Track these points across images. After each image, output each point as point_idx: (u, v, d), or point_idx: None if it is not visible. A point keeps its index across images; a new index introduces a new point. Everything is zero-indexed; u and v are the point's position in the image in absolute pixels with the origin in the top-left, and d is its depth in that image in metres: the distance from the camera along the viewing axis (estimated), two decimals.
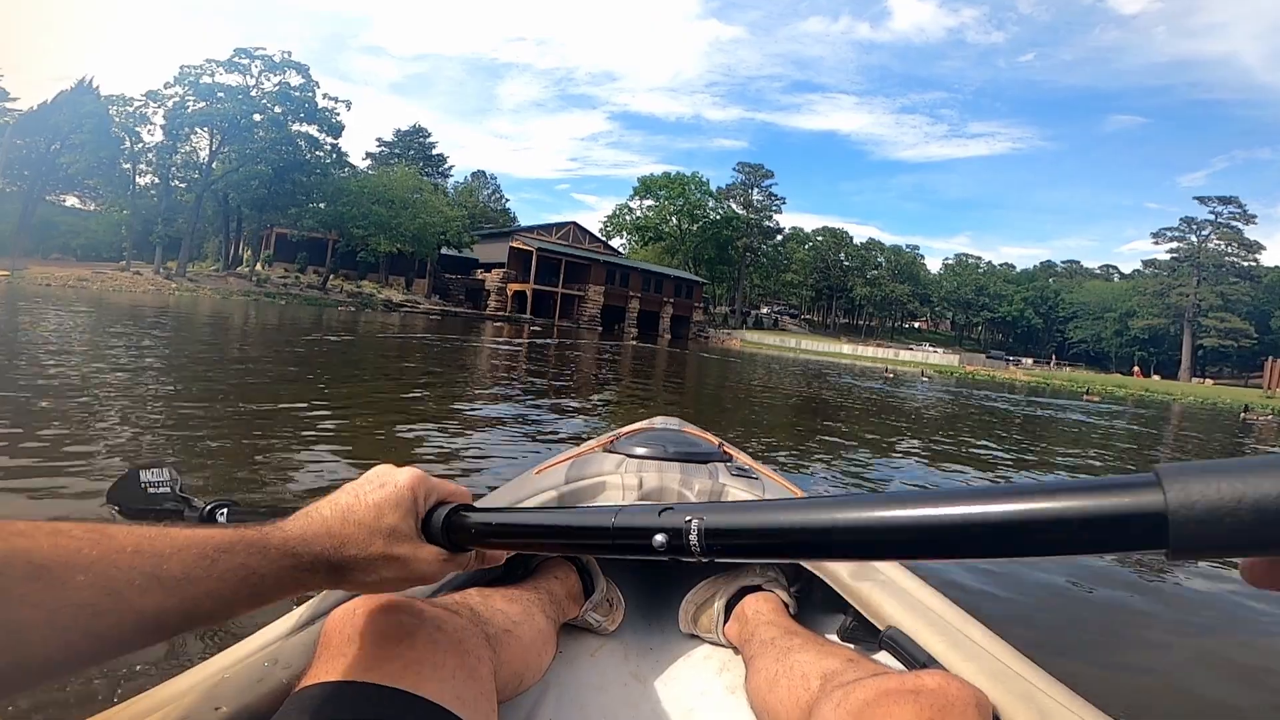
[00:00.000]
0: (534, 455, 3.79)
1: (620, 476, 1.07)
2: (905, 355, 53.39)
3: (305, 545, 0.46)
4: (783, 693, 0.71)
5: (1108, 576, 2.66)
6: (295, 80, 33.07)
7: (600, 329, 46.75)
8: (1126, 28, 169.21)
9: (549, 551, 0.47)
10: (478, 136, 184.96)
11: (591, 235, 57.56)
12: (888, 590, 0.83)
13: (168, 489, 0.86)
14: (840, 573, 0.87)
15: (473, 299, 47.36)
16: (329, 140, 34.53)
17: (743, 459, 1.33)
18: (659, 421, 1.65)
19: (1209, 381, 52.71)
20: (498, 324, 32.17)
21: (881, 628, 0.79)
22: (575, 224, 55.81)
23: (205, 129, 31.35)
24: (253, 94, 31.98)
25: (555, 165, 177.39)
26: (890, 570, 0.89)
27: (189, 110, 30.72)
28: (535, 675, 0.79)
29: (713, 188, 66.83)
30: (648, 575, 1.15)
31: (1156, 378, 53.64)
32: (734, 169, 72.10)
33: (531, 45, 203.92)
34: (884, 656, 0.78)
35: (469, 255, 49.54)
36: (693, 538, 0.31)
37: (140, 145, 31.57)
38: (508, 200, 75.88)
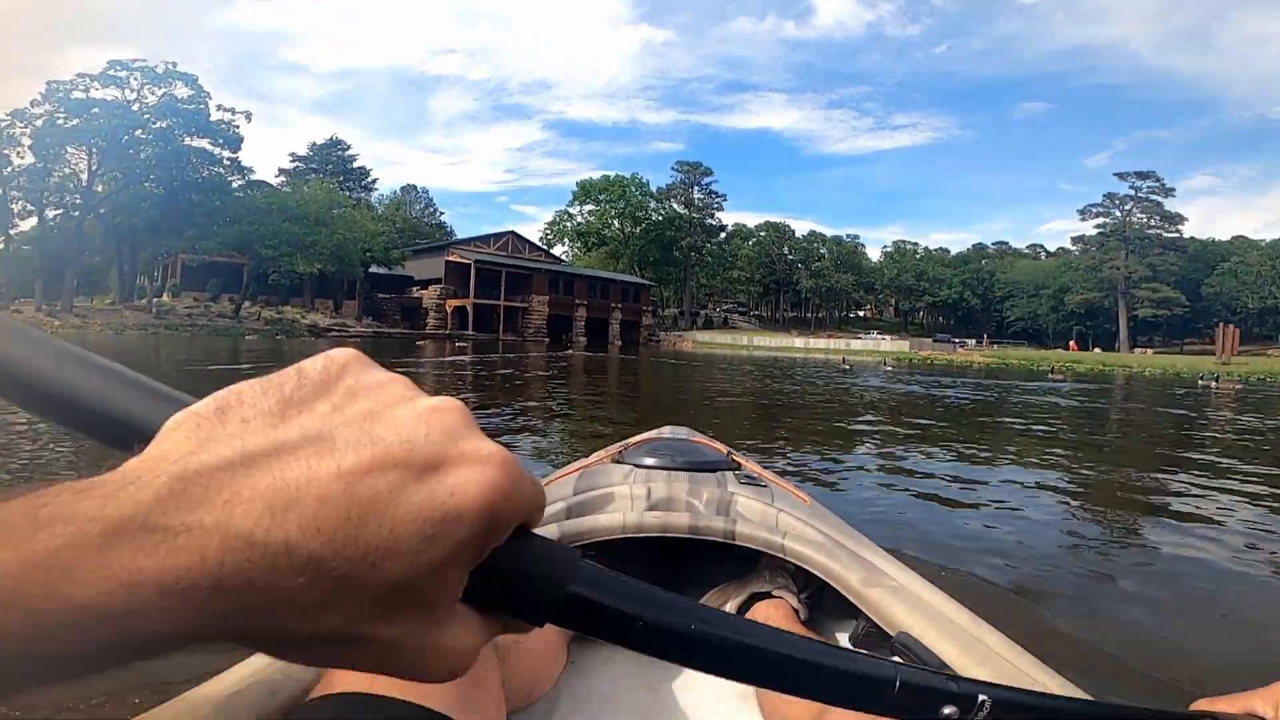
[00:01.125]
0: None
1: (629, 487, 1.06)
2: (856, 344, 53.39)
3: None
4: (794, 700, 0.62)
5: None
6: (182, 92, 30.17)
7: (548, 340, 44.92)
8: (1027, 15, 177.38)
9: (790, 692, 0.28)
10: (410, 152, 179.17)
11: (531, 244, 55.61)
12: (899, 596, 0.83)
13: None
14: (850, 579, 0.86)
15: (410, 318, 44.79)
16: (226, 154, 31.62)
17: (751, 467, 1.31)
18: (667, 431, 1.63)
19: (1148, 351, 54.51)
20: (421, 344, 29.95)
21: (893, 633, 0.79)
22: (514, 233, 53.79)
23: (81, 148, 28.05)
24: (133, 108, 28.92)
25: (492, 178, 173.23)
26: (902, 576, 0.89)
27: (62, 127, 27.46)
28: (545, 686, 0.79)
29: (653, 188, 65.83)
30: (659, 583, 0.86)
31: (1097, 350, 55.18)
32: (673, 168, 71.32)
33: (462, 57, 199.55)
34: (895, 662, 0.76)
35: (402, 273, 46.93)
36: (983, 714, 0.30)
37: (9, 170, 28.19)
38: (442, 214, 73.11)
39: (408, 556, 0.19)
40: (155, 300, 30.55)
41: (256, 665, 0.61)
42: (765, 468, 1.40)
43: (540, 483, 0.25)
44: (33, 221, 29.61)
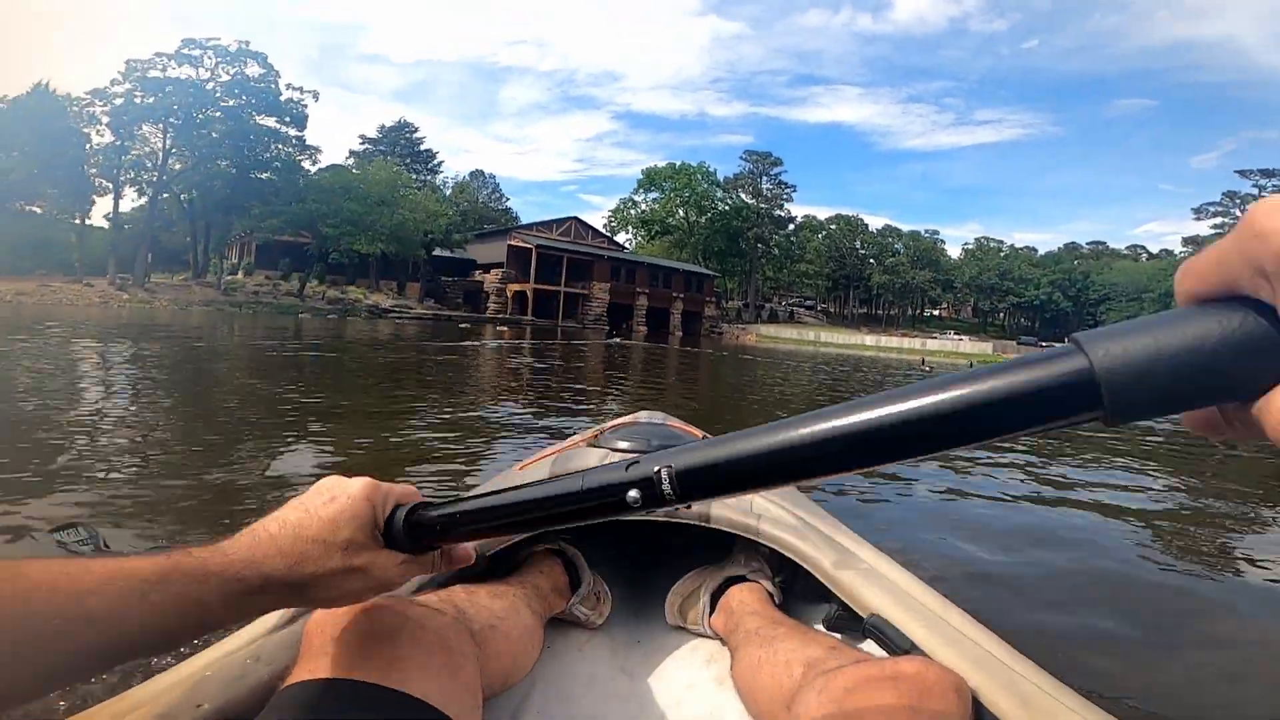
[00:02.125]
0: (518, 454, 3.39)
1: None
2: (932, 344, 50.12)
3: (253, 568, 0.43)
4: (766, 681, 0.72)
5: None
6: (254, 70, 30.47)
7: (608, 328, 44.02)
8: (1126, 12, 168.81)
9: (520, 532, 0.42)
10: (481, 141, 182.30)
11: (595, 230, 54.75)
12: (870, 579, 0.84)
13: (88, 547, 0.85)
14: (823, 562, 0.88)
15: (471, 301, 44.76)
16: (294, 133, 31.82)
17: None
18: (643, 416, 1.63)
19: None
20: (482, 327, 29.39)
21: (865, 616, 0.80)
22: (577, 219, 53.03)
23: (157, 125, 28.72)
24: (207, 87, 29.36)
25: (560, 167, 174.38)
26: (873, 559, 0.91)
27: (139, 105, 28.15)
28: (522, 671, 0.80)
29: (719, 178, 63.82)
30: (634, 568, 1.15)
31: None
32: (741, 157, 69.13)
33: (532, 48, 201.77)
34: (868, 644, 0.81)
35: (465, 256, 46.98)
36: (665, 486, 0.31)
37: (89, 147, 29.13)
38: (508, 200, 73.19)
39: (343, 530, 0.46)
40: (225, 278, 31.16)
41: (224, 650, 0.62)
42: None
43: (401, 486, 0.51)
44: (110, 200, 30.72)
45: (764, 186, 66.36)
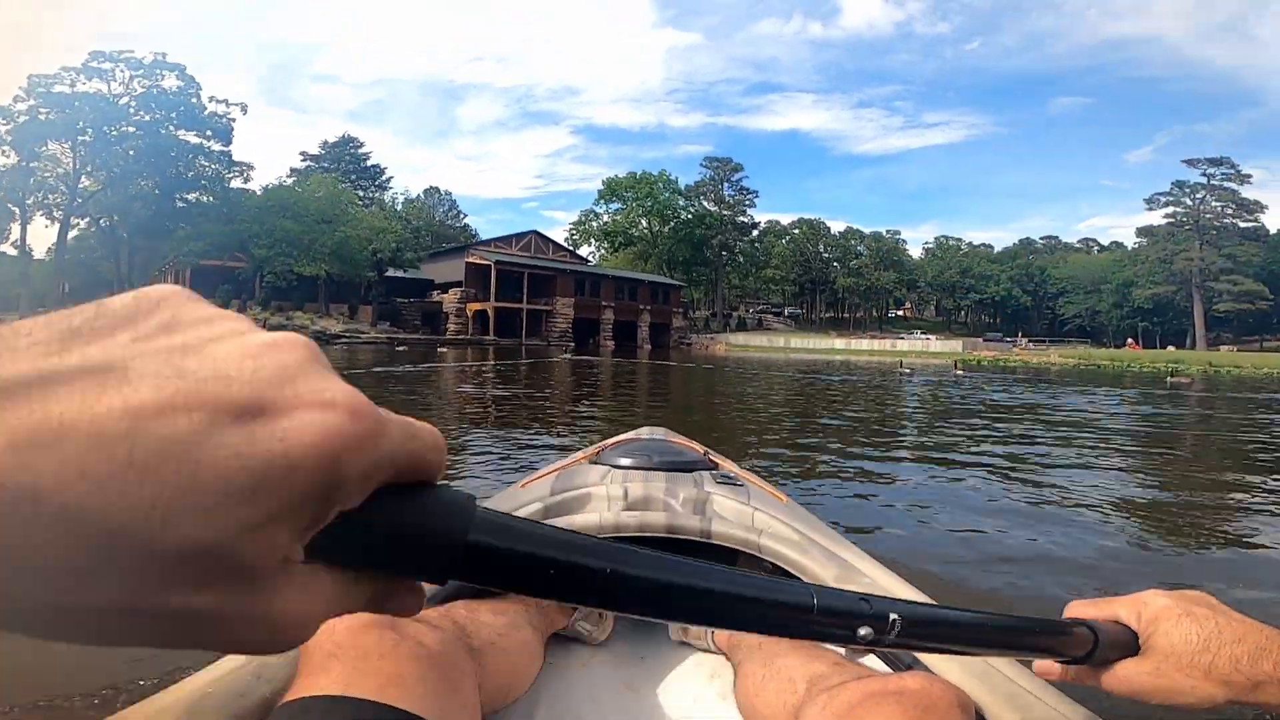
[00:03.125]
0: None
1: (605, 487, 1.06)
2: (903, 345, 49.77)
3: None
4: (770, 697, 0.72)
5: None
6: (171, 83, 28.20)
7: (573, 344, 42.45)
8: (1059, 11, 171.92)
9: (693, 623, 0.27)
10: (440, 159, 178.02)
11: (556, 244, 53.27)
12: (873, 593, 0.82)
13: None
14: (826, 577, 0.87)
15: (430, 323, 42.72)
16: (218, 147, 29.59)
17: (728, 466, 1.32)
18: (645, 432, 1.62)
19: (1231, 349, 49.76)
20: (442, 350, 27.58)
21: None
22: (537, 233, 51.47)
23: (65, 144, 26.28)
24: (120, 101, 27.08)
25: (521, 184, 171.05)
26: (876, 573, 0.91)
27: (43, 122, 25.73)
28: (522, 687, 0.79)
29: (681, 186, 63.02)
30: None
31: (1171, 348, 50.57)
32: (701, 164, 68.28)
33: (490, 64, 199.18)
34: (871, 659, 0.81)
35: (422, 276, 44.93)
36: (895, 631, 0.32)
37: None
38: (465, 217, 71.32)
39: (214, 513, 0.15)
40: None
41: (227, 668, 0.61)
42: (744, 468, 1.38)
43: (422, 428, 0.20)
44: (24, 227, 28.00)
45: (726, 193, 65.82)
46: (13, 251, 30.50)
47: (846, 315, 78.58)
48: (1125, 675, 0.46)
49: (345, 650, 0.53)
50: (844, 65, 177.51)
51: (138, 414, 0.14)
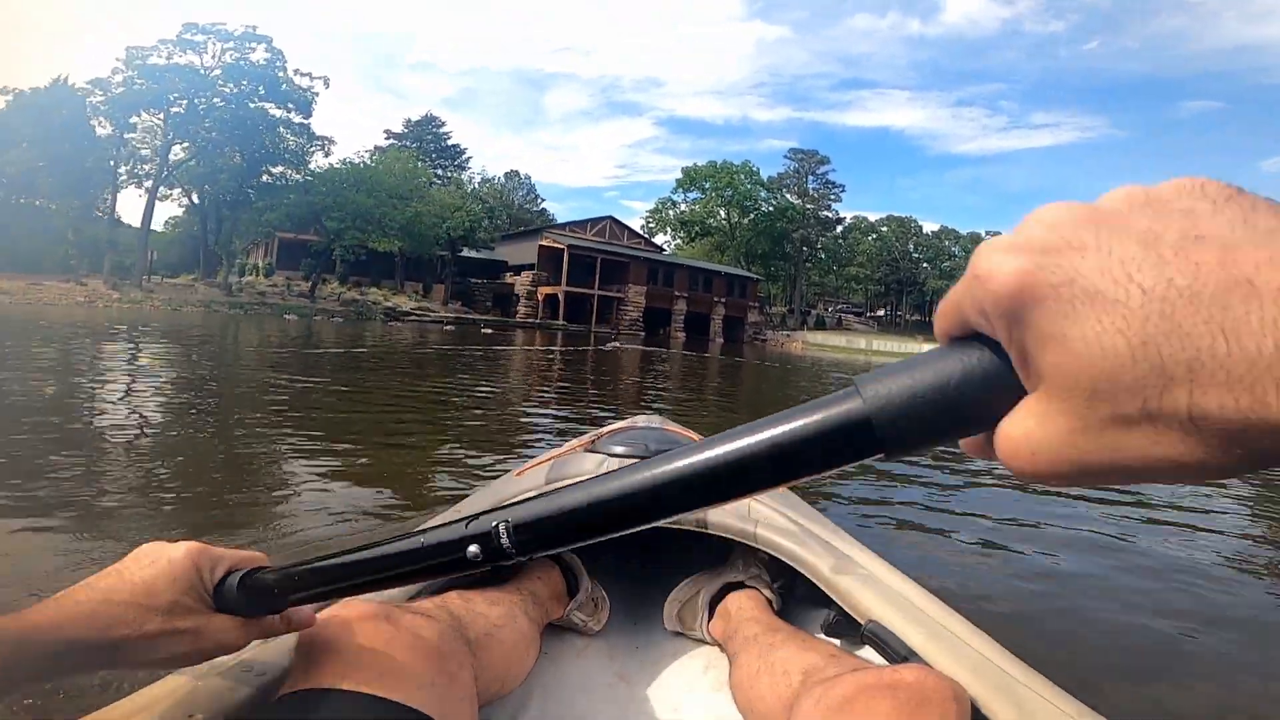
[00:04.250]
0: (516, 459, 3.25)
1: None
2: None
3: (56, 633, 0.41)
4: (765, 689, 0.72)
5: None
6: (259, 56, 28.41)
7: (643, 333, 41.29)
8: (1191, 14, 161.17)
9: (362, 591, 0.43)
10: (526, 147, 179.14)
11: (631, 231, 52.11)
12: (868, 584, 0.83)
13: None
14: (821, 568, 0.87)
15: (501, 305, 42.62)
16: (299, 119, 29.65)
17: None
18: (641, 420, 1.61)
19: None
20: (511, 331, 26.90)
21: (863, 622, 0.79)
22: (612, 219, 50.48)
23: (157, 114, 27.04)
24: (212, 73, 27.44)
25: (603, 173, 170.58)
26: (872, 564, 0.90)
27: (137, 93, 26.45)
28: (518, 678, 0.80)
29: (764, 178, 60.46)
30: (632, 574, 1.16)
31: None
32: (786, 156, 65.41)
33: (577, 55, 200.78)
34: (866, 651, 0.81)
35: (496, 257, 44.92)
36: (505, 540, 0.32)
37: (91, 140, 27.61)
38: (543, 201, 71.35)
39: (163, 593, 0.45)
40: (233, 278, 29.27)
41: (218, 659, 0.61)
42: None
43: (239, 552, 0.51)
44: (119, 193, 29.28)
45: (810, 186, 62.75)
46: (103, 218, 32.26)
47: (933, 320, 73.74)
48: (1022, 445, 0.20)
49: (341, 642, 0.53)
50: (941, 63, 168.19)
51: (145, 614, 0.47)
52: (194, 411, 4.50)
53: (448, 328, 25.16)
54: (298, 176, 29.61)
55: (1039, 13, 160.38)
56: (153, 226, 31.72)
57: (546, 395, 7.13)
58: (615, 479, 0.30)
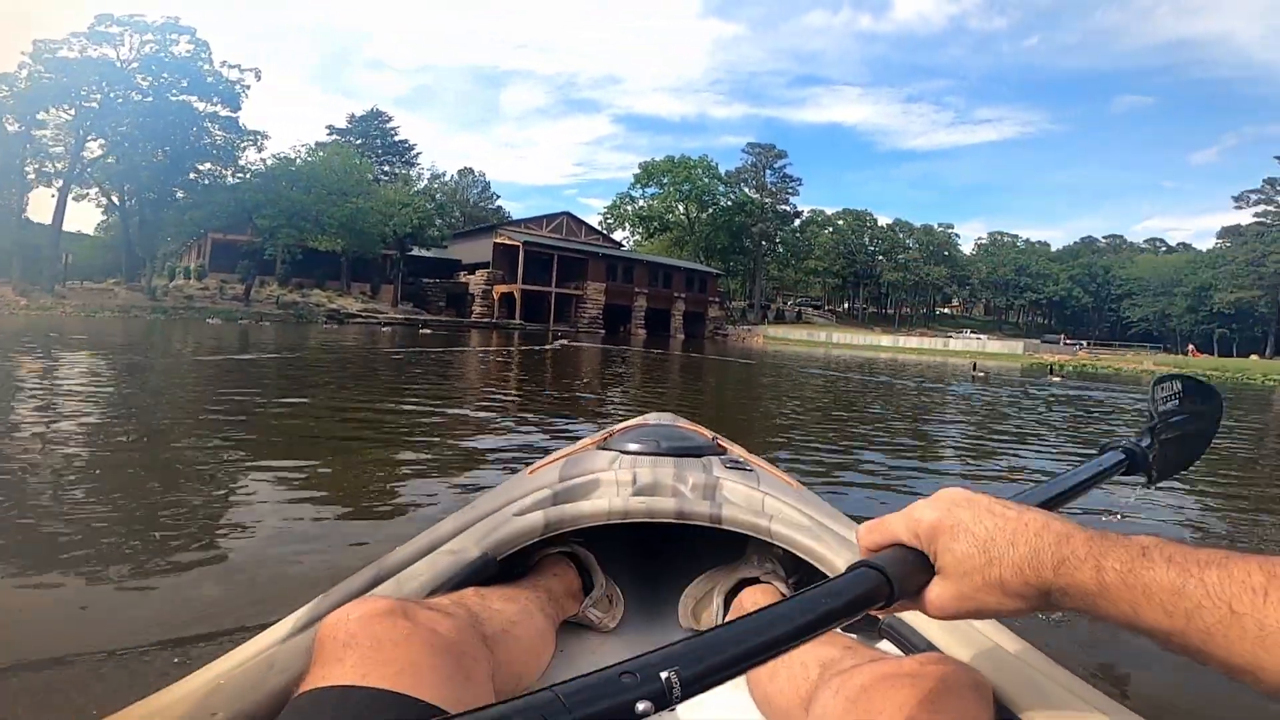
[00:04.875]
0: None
1: (614, 473, 1.06)
2: (956, 345, 46.34)
3: None
4: (783, 683, 0.71)
5: None
6: (182, 49, 26.38)
7: (604, 331, 40.40)
8: (1128, 9, 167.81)
9: None
10: (482, 145, 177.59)
11: (589, 227, 51.11)
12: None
13: None
14: (837, 562, 0.86)
15: (455, 305, 41.13)
16: (225, 112, 27.55)
17: (737, 451, 1.31)
18: (652, 417, 1.60)
19: None
20: (467, 331, 25.67)
21: (881, 616, 0.80)
22: (569, 214, 49.38)
23: (68, 110, 24.78)
24: (129, 66, 25.41)
25: (562, 171, 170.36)
26: None
27: (46, 87, 24.27)
28: (534, 674, 0.79)
29: (721, 172, 60.09)
30: (647, 571, 1.15)
31: (1254, 357, 46.02)
32: (743, 150, 65.25)
33: (534, 52, 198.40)
34: (884, 644, 0.81)
35: (449, 256, 43.34)
36: (677, 691, 0.31)
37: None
38: (498, 199, 69.62)
39: None
40: (156, 282, 27.03)
41: (239, 659, 0.62)
42: (753, 452, 1.37)
43: None
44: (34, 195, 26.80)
45: (768, 180, 62.76)
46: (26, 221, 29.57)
47: (890, 311, 74.89)
48: (935, 601, 0.45)
49: (359, 639, 0.53)
50: (892, 59, 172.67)
51: None
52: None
53: (384, 329, 23.77)
54: (228, 174, 27.56)
55: (983, 9, 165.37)
56: (85, 230, 29.34)
57: (462, 415, 5.49)
58: (765, 629, 0.38)
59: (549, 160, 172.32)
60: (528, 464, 1.35)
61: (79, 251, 33.79)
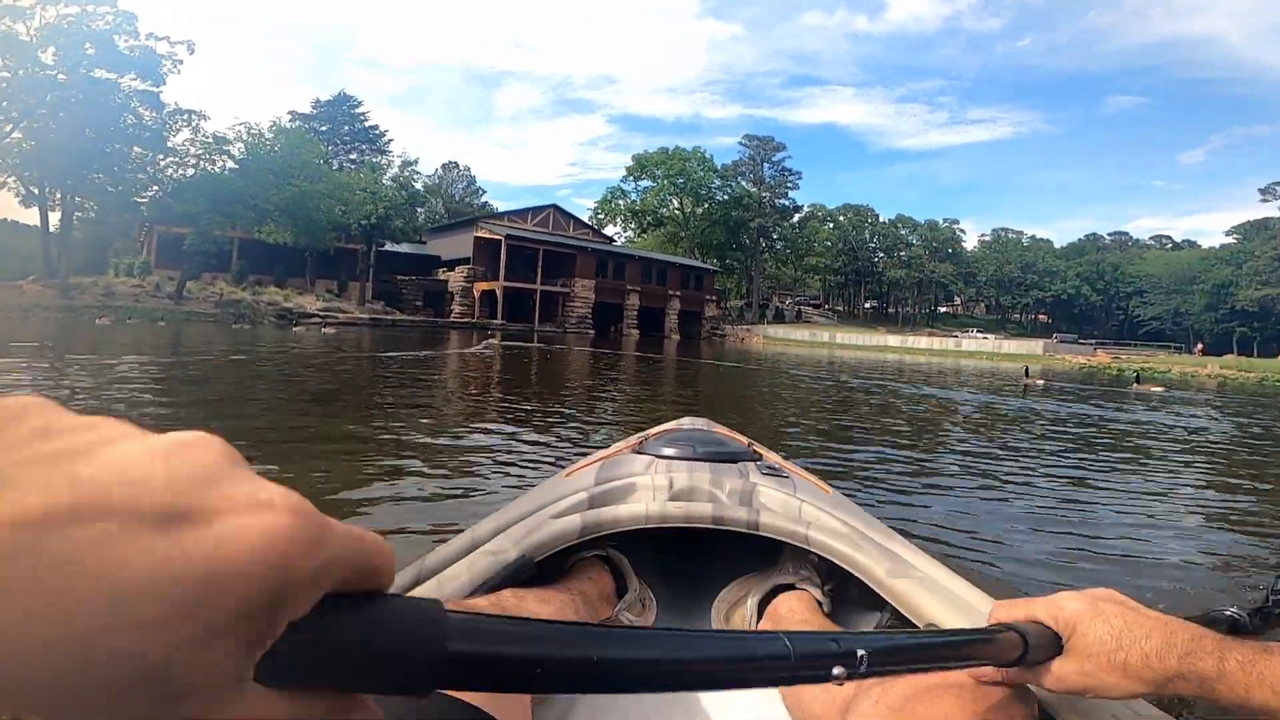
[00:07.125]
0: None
1: (650, 477, 1.06)
2: (968, 345, 43.59)
3: None
4: (818, 690, 0.70)
5: None
6: (102, 24, 23.10)
7: (593, 332, 37.38)
8: (1120, 9, 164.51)
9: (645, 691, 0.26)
10: (477, 145, 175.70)
11: (577, 220, 47.97)
12: (927, 586, 0.82)
13: None
14: (877, 570, 0.85)
15: (434, 304, 38.00)
16: (141, 87, 24.04)
17: (773, 458, 1.30)
18: (687, 422, 1.62)
19: None
20: (446, 334, 22.55)
21: (921, 625, 0.78)
22: (556, 207, 46.26)
23: None
24: (36, 39, 22.06)
25: (556, 171, 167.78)
26: (929, 568, 0.89)
27: None
28: None
29: (717, 165, 57.15)
30: (680, 575, 1.16)
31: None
32: (740, 142, 62.43)
33: (529, 52, 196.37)
34: None
35: (427, 252, 40.22)
36: (863, 667, 0.35)
37: None
38: (484, 194, 66.39)
39: (148, 631, 0.13)
40: (71, 278, 23.52)
41: None
42: (788, 459, 1.34)
43: (367, 533, 0.18)
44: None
45: (766, 174, 59.91)
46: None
47: (892, 310, 72.19)
48: (1057, 674, 0.50)
49: None
50: (886, 60, 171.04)
51: (33, 527, 0.13)
52: None
53: (326, 330, 20.56)
54: (161, 159, 24.14)
55: (977, 9, 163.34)
56: (50, 228, 25.88)
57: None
58: (928, 649, 0.42)
59: (543, 160, 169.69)
60: (564, 466, 1.29)
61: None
